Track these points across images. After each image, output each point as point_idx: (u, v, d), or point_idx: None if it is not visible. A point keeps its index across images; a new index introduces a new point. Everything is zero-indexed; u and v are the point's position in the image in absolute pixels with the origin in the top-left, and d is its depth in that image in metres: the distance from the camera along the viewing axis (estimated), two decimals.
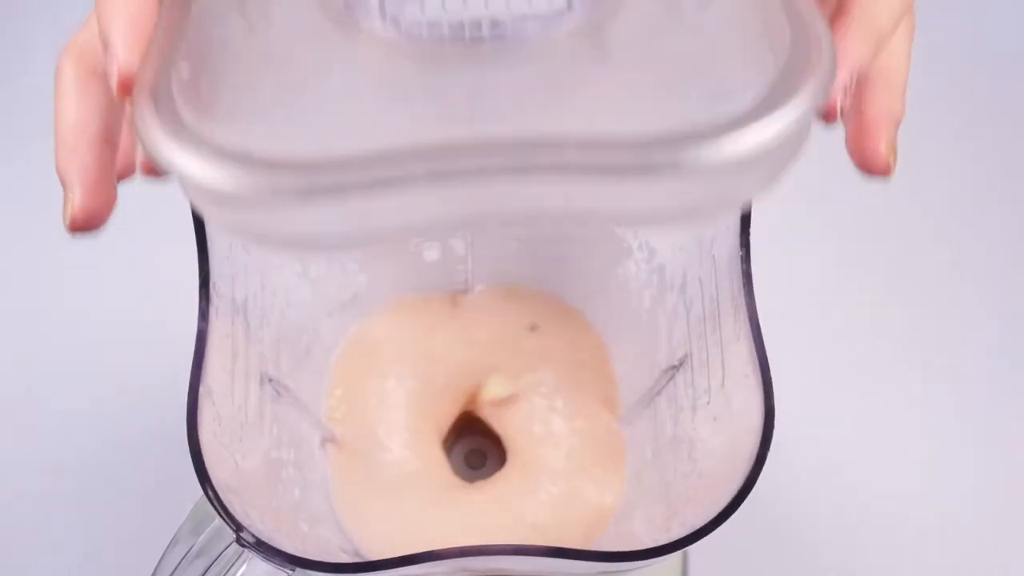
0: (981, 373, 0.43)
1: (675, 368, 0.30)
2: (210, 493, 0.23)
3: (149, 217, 0.41)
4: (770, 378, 0.25)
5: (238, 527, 0.23)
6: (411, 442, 0.34)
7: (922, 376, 0.43)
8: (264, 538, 0.24)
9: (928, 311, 0.44)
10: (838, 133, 0.50)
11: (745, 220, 0.26)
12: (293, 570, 0.24)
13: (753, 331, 0.25)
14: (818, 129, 0.51)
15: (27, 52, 0.48)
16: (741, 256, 0.26)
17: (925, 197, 0.46)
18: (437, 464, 0.34)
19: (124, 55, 0.21)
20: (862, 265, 0.45)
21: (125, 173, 0.25)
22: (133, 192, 0.44)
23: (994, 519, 0.40)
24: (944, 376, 0.43)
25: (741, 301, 0.26)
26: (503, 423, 0.35)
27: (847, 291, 0.44)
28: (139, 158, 0.25)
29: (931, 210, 0.46)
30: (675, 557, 0.36)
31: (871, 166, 0.24)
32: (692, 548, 0.25)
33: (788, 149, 0.19)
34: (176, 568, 0.27)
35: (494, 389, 0.35)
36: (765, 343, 0.25)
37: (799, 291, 0.43)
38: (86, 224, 0.23)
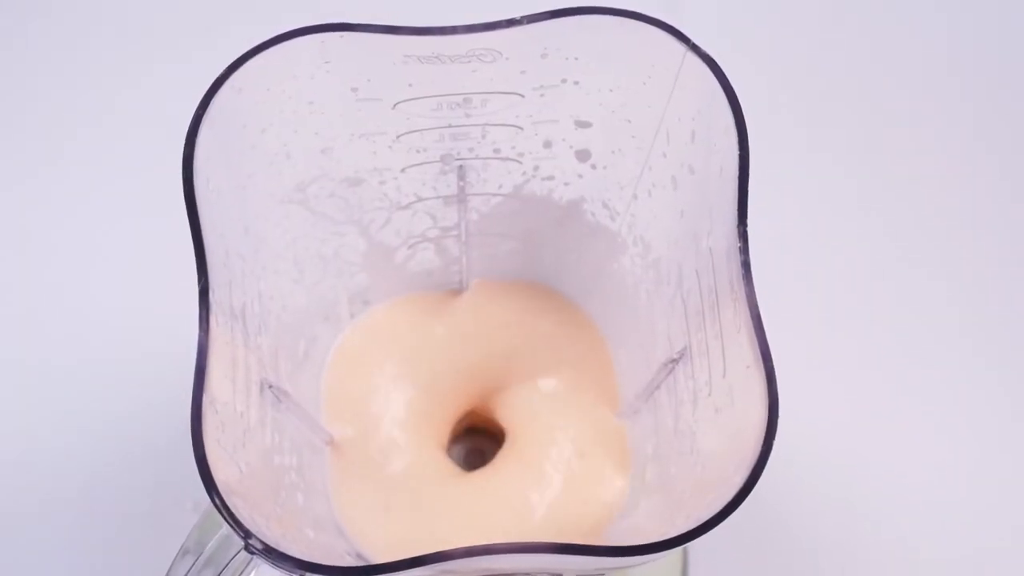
0: (989, 366, 0.43)
1: (674, 361, 0.30)
2: (217, 501, 0.23)
3: (148, 217, 0.41)
4: (773, 368, 0.24)
5: (246, 534, 0.23)
6: (411, 443, 0.34)
7: (929, 369, 0.43)
8: (272, 544, 0.24)
9: (936, 302, 0.44)
10: (838, 124, 0.49)
11: (742, 212, 0.26)
12: (302, 575, 0.24)
13: (754, 322, 0.25)
14: (817, 119, 0.51)
15: (24, 52, 0.47)
16: (739, 247, 0.25)
17: (928, 188, 0.46)
18: (437, 464, 0.34)
19: None
20: (866, 256, 0.45)
21: None
22: (132, 194, 0.44)
23: (996, 518, 0.40)
24: (952, 367, 0.43)
25: (741, 292, 0.25)
26: (503, 420, 0.35)
27: (849, 284, 0.44)
28: None
29: (934, 200, 0.46)
30: (676, 553, 0.36)
31: None
32: (692, 544, 0.25)
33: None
34: None
35: None
36: (767, 335, 0.25)
37: (802, 282, 0.43)
38: None
